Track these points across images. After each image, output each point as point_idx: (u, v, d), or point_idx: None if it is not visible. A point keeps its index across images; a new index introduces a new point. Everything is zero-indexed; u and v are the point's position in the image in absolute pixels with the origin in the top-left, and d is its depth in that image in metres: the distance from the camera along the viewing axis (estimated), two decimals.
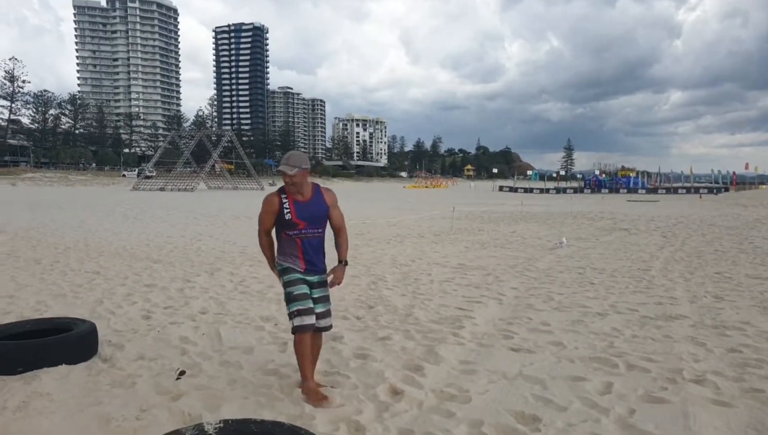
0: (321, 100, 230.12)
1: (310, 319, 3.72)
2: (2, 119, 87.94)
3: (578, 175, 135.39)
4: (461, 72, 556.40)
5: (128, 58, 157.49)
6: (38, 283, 7.86)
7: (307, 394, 3.70)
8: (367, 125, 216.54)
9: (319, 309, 3.83)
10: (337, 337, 5.13)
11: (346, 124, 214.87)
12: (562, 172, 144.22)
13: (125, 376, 4.19)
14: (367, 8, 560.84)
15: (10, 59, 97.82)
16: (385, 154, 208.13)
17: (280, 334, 5.29)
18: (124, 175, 77.52)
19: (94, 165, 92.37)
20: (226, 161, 75.77)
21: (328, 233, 3.93)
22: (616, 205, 32.11)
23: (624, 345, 4.86)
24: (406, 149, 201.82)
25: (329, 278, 3.91)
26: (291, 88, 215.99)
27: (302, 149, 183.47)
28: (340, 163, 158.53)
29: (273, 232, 3.93)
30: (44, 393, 3.82)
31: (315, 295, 3.84)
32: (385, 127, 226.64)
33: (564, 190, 69.03)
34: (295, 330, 3.71)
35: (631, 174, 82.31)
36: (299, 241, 3.76)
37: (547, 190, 67.21)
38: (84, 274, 8.58)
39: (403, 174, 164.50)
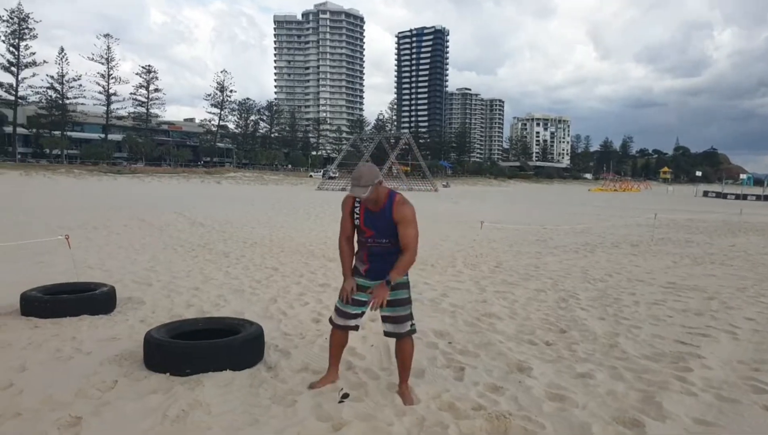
0: (500, 101, 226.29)
1: (339, 320, 3.77)
2: (213, 125, 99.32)
3: None
4: (659, 66, 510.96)
5: (318, 67, 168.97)
6: (222, 277, 8.06)
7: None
8: (549, 124, 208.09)
9: (385, 312, 3.68)
10: (525, 368, 4.28)
11: (525, 124, 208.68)
12: None
13: (287, 391, 3.78)
14: (553, 4, 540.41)
15: (221, 72, 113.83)
16: (567, 154, 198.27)
17: (456, 356, 4.57)
18: (310, 176, 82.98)
19: (289, 166, 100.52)
20: (403, 163, 77.46)
21: None
22: None
23: None
24: (592, 149, 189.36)
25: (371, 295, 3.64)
26: (469, 89, 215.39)
27: (478, 150, 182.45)
28: (517, 164, 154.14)
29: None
30: (204, 403, 3.53)
31: (363, 299, 3.72)
32: (569, 126, 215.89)
33: None
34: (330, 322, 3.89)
35: None
36: (367, 247, 3.70)
37: (766, 198, 58.00)
38: (264, 269, 8.68)
39: (588, 175, 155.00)
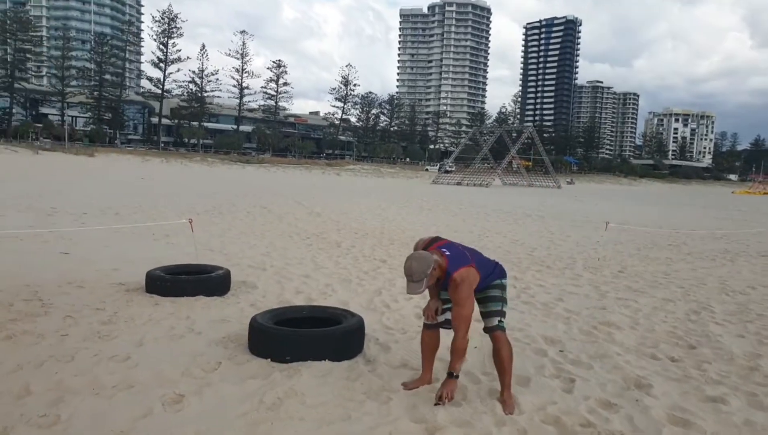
0: (634, 94, 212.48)
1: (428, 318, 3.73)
2: (336, 118, 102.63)
3: None
4: None
5: (441, 60, 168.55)
6: (332, 266, 8.17)
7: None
8: (689, 120, 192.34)
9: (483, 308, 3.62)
10: (644, 384, 3.85)
11: (662, 119, 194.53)
12: None
13: (382, 387, 3.67)
14: None
15: (346, 66, 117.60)
16: (709, 153, 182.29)
17: (566, 366, 4.23)
18: (426, 170, 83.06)
19: (408, 159, 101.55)
20: (524, 158, 75.22)
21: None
22: None
23: None
24: (740, 148, 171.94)
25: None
26: (601, 82, 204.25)
27: (607, 146, 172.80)
28: (650, 162, 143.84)
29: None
30: (300, 392, 3.52)
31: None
32: (713, 123, 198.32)
33: None
34: None
35: None
36: None
37: None
38: (372, 261, 8.70)
39: (732, 177, 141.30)
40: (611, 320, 5.61)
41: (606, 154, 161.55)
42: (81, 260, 7.65)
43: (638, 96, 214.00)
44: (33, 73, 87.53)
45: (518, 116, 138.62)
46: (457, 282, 3.31)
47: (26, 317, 4.86)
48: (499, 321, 3.56)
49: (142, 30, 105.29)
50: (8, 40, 78.32)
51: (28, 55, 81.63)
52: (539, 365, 4.24)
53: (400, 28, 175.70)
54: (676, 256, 10.62)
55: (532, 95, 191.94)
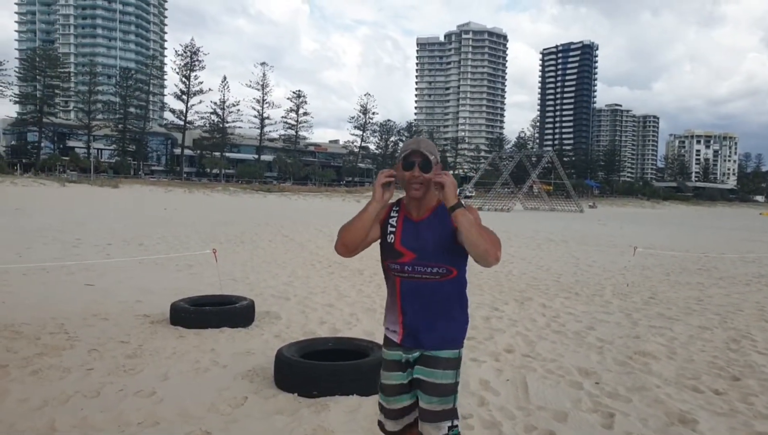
0: (654, 116, 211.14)
1: (390, 424, 2.46)
2: (355, 146, 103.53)
3: None
4: None
5: (458, 87, 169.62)
6: (355, 294, 8.08)
7: None
8: (711, 142, 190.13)
9: (423, 404, 2.31)
10: (688, 420, 3.66)
11: (683, 141, 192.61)
12: None
13: None
14: (720, 11, 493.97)
15: (365, 95, 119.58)
16: (733, 174, 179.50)
17: (604, 400, 4.05)
18: None
19: None
20: (545, 182, 74.78)
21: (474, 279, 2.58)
22: None
23: None
24: (765, 168, 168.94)
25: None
26: (620, 105, 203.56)
27: (628, 169, 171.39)
28: (673, 184, 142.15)
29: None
30: (329, 430, 3.42)
31: (404, 381, 2.39)
32: (735, 144, 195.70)
33: None
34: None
35: None
36: (400, 288, 2.34)
37: None
38: None
39: (759, 198, 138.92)
40: (646, 350, 5.41)
41: (627, 177, 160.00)
42: (105, 292, 7.66)
43: (658, 118, 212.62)
44: (61, 108, 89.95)
45: (537, 141, 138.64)
46: (471, 208, 2.23)
47: (52, 351, 4.83)
48: (453, 427, 2.29)
49: (166, 63, 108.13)
50: (38, 77, 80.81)
51: (57, 91, 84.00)
52: (575, 399, 4.07)
53: (417, 57, 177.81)
54: (707, 280, 10.32)
55: (550, 119, 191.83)
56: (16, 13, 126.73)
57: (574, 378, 4.54)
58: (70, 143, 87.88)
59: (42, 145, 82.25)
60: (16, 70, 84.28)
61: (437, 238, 2.28)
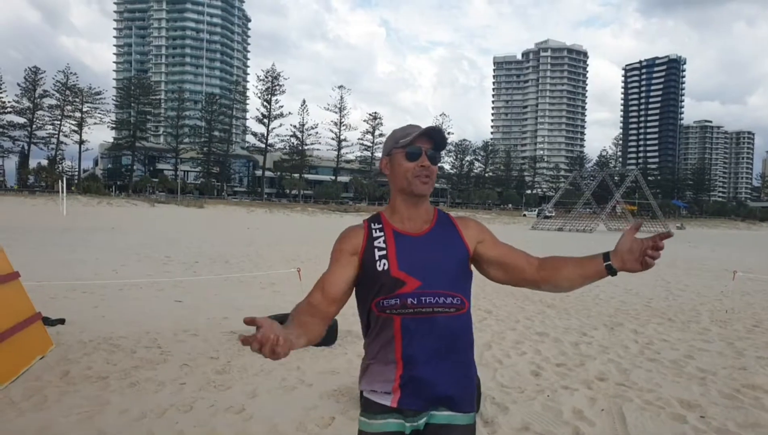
0: (749, 133, 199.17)
1: None
2: None
3: None
4: None
5: (537, 105, 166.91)
6: None
7: None
8: None
9: None
10: None
11: None
12: None
13: None
14: None
15: (440, 115, 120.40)
16: None
17: None
18: (524, 215, 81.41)
19: (510, 205, 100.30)
20: (629, 202, 71.78)
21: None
22: None
23: None
24: None
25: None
26: (710, 121, 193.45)
27: (720, 189, 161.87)
28: None
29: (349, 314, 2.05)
30: None
31: None
32: None
33: None
34: None
35: None
36: (398, 325, 1.70)
37: None
38: (477, 311, 8.39)
39: None
40: (756, 383, 4.98)
41: (719, 196, 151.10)
42: (193, 308, 7.95)
43: (753, 134, 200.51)
44: (151, 132, 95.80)
45: (620, 159, 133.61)
46: (465, 218, 1.94)
47: (147, 364, 5.04)
48: None
49: (248, 88, 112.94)
50: (132, 104, 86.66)
51: (149, 117, 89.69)
52: (680, 433, 3.79)
53: (494, 76, 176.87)
54: None
55: (634, 137, 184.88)
56: (114, 45, 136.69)
57: (675, 410, 4.23)
58: (160, 166, 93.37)
59: (134, 167, 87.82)
60: (114, 98, 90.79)
61: (449, 258, 1.75)
